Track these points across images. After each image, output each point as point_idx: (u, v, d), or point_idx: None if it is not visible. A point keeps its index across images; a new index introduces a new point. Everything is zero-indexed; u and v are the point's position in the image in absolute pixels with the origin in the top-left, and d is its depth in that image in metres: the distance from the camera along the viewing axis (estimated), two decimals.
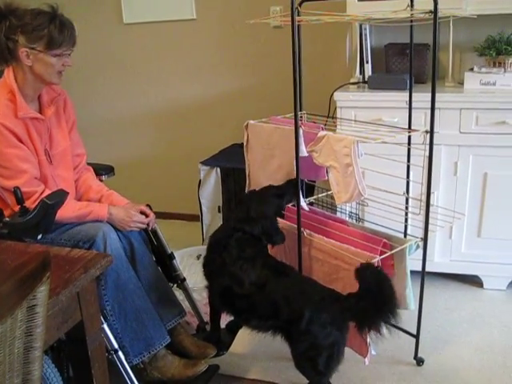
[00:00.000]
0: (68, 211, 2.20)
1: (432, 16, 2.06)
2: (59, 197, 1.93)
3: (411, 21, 2.42)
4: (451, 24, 2.89)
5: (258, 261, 2.25)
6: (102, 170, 2.67)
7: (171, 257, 2.58)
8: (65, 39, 2.15)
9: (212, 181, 3.50)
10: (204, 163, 3.52)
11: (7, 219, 1.97)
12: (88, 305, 1.63)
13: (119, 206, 2.39)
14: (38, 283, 1.12)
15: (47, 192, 2.14)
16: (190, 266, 3.15)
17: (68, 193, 1.98)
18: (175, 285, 2.62)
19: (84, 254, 1.63)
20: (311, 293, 2.14)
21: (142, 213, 2.44)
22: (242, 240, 2.29)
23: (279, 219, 2.50)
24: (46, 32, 2.11)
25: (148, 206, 2.48)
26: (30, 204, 2.03)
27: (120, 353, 2.10)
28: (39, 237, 1.98)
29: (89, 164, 2.60)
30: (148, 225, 2.45)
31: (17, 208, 1.95)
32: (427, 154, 2.26)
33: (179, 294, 2.60)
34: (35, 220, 1.89)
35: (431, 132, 2.20)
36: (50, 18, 2.12)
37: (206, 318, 2.68)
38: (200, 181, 3.54)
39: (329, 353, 2.09)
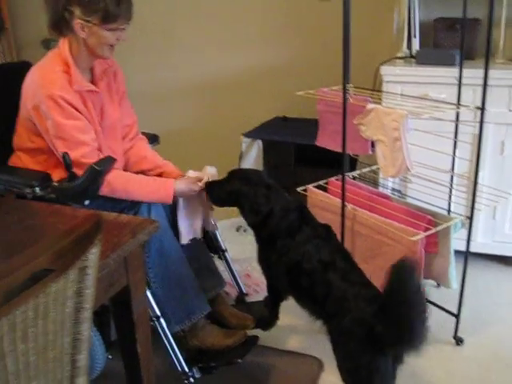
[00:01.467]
0: (134, 185, 2.22)
1: None
2: (107, 163, 1.95)
3: None
4: None
5: (331, 241, 2.15)
6: (148, 139, 2.68)
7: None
8: (121, 13, 2.11)
9: (253, 153, 3.49)
10: (246, 135, 3.51)
11: (55, 184, 2.00)
12: (134, 270, 1.65)
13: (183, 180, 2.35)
14: (90, 245, 1.14)
15: None
16: (231, 237, 3.16)
17: (115, 159, 1.99)
18: (216, 255, 2.64)
19: (132, 219, 1.66)
20: (362, 298, 1.91)
21: None
22: (312, 221, 2.20)
23: (323, 192, 2.48)
24: (103, 5, 2.06)
25: None
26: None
27: (162, 320, 2.13)
28: (86, 202, 2.01)
29: None
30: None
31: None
32: (476, 131, 2.21)
33: (219, 265, 2.61)
34: (83, 186, 1.92)
35: (482, 109, 2.16)
36: None
37: (246, 289, 2.70)
38: (241, 153, 3.53)
39: (369, 375, 1.85)
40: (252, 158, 3.49)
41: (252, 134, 3.52)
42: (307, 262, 2.05)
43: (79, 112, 2.14)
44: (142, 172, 2.44)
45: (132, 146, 2.51)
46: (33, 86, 2.14)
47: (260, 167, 3.49)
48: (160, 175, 2.44)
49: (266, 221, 2.15)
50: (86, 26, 2.10)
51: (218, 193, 2.28)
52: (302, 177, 3.84)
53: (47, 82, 2.10)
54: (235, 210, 3.07)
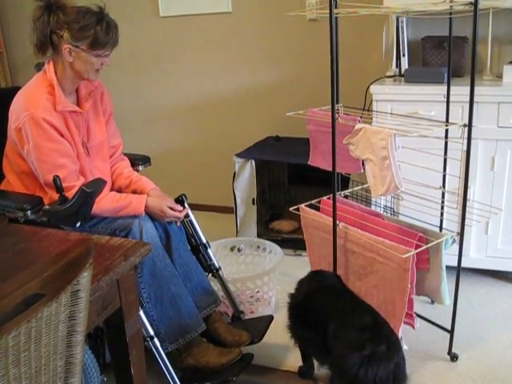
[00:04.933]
0: (107, 202, 2.24)
1: (472, 8, 2.04)
2: (97, 185, 1.96)
3: (450, 13, 2.40)
4: (491, 16, 2.85)
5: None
6: (139, 160, 2.70)
7: (206, 246, 2.59)
8: (109, 41, 2.18)
9: (246, 173, 3.51)
10: (239, 155, 3.53)
11: (47, 207, 2.02)
12: (127, 292, 1.66)
13: (156, 198, 2.39)
14: (81, 269, 1.15)
15: None
16: (225, 257, 3.16)
17: (106, 181, 2.01)
18: (210, 274, 2.64)
19: (123, 242, 1.66)
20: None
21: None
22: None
23: (315, 211, 2.50)
24: (92, 32, 2.14)
25: (184, 195, 2.50)
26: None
27: (156, 339, 2.13)
28: (78, 225, 2.02)
29: (125, 154, 2.64)
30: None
31: (56, 197, 1.98)
32: (464, 148, 2.24)
33: (214, 284, 2.62)
34: (74, 208, 1.93)
35: (469, 126, 2.18)
36: (97, 19, 2.15)
37: (241, 307, 2.70)
38: (235, 173, 3.55)
39: None
40: (245, 177, 3.52)
41: (245, 154, 3.54)
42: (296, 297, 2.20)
43: (61, 134, 2.18)
44: (119, 188, 2.51)
45: (113, 165, 2.56)
46: (17, 108, 2.18)
47: (253, 186, 3.51)
48: (134, 191, 2.48)
49: None
50: (73, 51, 2.16)
51: None
52: (296, 196, 3.88)
53: (31, 104, 2.15)
54: (229, 229, 3.07)
